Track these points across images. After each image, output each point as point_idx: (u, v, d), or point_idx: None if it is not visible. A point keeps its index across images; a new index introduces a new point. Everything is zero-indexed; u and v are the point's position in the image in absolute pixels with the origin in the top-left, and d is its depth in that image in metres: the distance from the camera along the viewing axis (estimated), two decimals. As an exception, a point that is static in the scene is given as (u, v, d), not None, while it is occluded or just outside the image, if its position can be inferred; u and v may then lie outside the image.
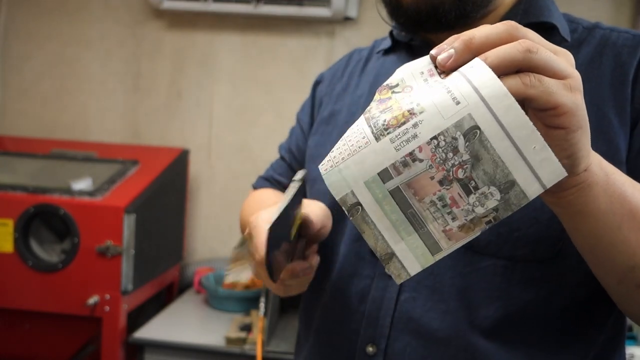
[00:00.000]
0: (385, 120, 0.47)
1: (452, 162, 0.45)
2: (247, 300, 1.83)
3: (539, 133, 0.43)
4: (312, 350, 0.78)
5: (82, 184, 1.72)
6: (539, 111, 0.45)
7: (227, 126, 2.22)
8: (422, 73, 0.48)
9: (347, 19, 2.11)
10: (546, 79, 0.44)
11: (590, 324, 0.68)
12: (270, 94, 2.18)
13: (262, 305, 1.68)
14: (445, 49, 0.46)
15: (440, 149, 0.45)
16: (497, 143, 0.43)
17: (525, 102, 0.44)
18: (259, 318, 1.65)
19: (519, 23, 0.71)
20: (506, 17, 0.72)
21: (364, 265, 0.72)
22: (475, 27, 0.71)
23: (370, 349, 0.70)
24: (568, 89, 0.44)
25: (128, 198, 1.67)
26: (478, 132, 0.43)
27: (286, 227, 0.63)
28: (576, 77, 0.45)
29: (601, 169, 0.50)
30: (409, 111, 0.46)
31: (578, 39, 0.71)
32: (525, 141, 0.43)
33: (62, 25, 2.26)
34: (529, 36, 0.46)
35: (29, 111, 2.30)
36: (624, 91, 0.66)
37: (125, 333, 1.68)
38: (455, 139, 0.44)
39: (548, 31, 0.71)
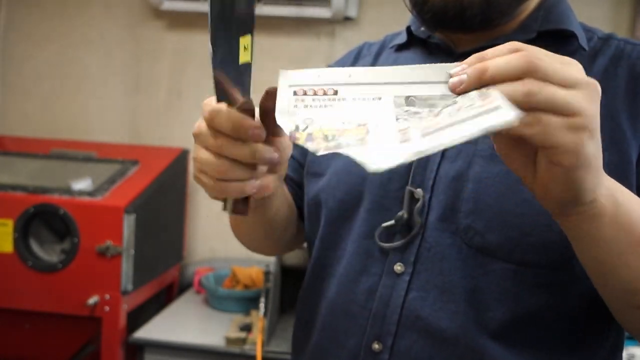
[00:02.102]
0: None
1: None
2: (247, 300, 1.83)
3: None
4: (316, 347, 0.77)
5: (82, 184, 1.72)
6: (541, 148, 0.46)
7: (227, 126, 2.21)
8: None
9: (347, 19, 2.11)
10: (546, 118, 0.44)
11: (597, 330, 0.69)
12: (270, 94, 2.18)
13: (262, 305, 1.68)
14: (459, 73, 0.47)
15: None
16: None
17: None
18: (258, 318, 1.65)
19: (539, 29, 0.72)
20: (526, 22, 0.72)
21: (372, 262, 0.72)
22: (497, 31, 0.72)
23: (376, 346, 0.70)
24: (571, 129, 0.45)
25: (128, 198, 1.67)
26: None
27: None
28: (586, 114, 0.45)
29: (611, 200, 0.51)
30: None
31: (594, 47, 0.72)
32: None
33: (62, 25, 2.26)
34: (542, 69, 0.45)
35: (29, 111, 2.29)
36: (638, 102, 0.67)
37: (125, 333, 1.68)
38: None
39: (567, 39, 0.71)
